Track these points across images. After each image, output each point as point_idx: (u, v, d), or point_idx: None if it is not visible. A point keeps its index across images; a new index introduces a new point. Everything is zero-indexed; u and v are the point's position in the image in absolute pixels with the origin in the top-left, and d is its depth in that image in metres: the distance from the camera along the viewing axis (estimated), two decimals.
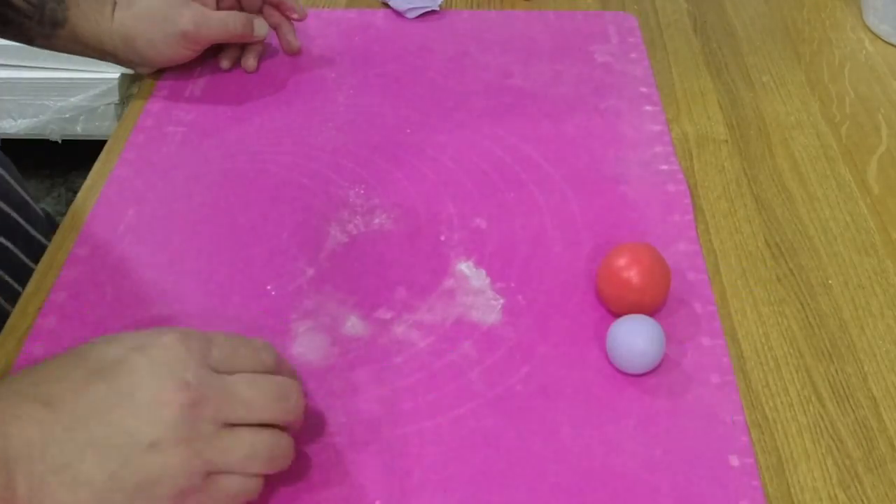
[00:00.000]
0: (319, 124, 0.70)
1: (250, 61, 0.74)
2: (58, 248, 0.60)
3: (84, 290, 0.56)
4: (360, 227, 0.61)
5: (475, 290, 0.57)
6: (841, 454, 0.49)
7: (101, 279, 0.57)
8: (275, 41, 0.77)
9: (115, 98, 1.60)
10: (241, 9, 0.74)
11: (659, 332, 0.51)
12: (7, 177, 0.71)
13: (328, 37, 0.80)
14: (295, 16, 0.75)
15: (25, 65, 1.59)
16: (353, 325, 0.55)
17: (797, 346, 0.54)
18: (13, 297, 0.60)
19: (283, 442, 0.43)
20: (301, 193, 0.64)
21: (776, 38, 0.82)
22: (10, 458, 0.39)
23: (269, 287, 0.57)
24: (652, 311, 0.54)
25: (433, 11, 0.83)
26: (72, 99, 1.61)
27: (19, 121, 1.65)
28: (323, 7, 0.84)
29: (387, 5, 0.84)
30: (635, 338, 0.50)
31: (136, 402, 0.40)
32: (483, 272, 0.58)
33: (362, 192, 0.64)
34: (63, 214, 0.63)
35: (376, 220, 0.62)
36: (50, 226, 0.75)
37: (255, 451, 0.42)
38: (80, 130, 1.66)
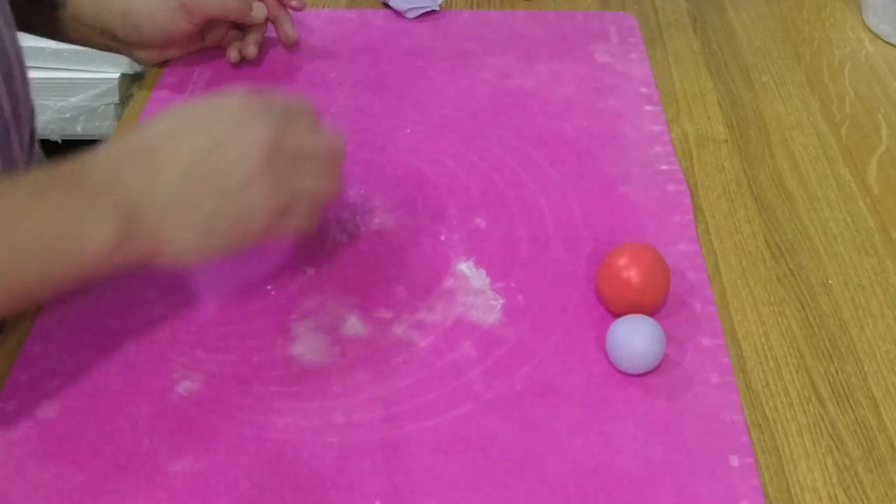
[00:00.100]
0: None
1: (250, 48, 0.75)
2: None
3: (84, 290, 0.56)
4: (360, 227, 0.61)
5: (475, 290, 0.57)
6: (841, 454, 0.49)
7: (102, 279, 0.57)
8: (274, 34, 0.77)
9: (115, 98, 1.60)
10: None
11: (659, 332, 0.51)
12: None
13: (328, 37, 0.80)
14: (294, 3, 0.75)
15: (25, 65, 1.59)
16: (353, 325, 0.55)
17: (797, 346, 0.54)
18: None
19: (334, 179, 0.53)
20: None
21: (776, 38, 0.82)
22: (132, 201, 0.45)
23: (269, 287, 0.57)
24: (652, 311, 0.54)
25: (433, 11, 0.83)
26: (72, 99, 1.60)
27: None
28: (323, 7, 0.84)
29: (387, 5, 0.84)
30: (635, 338, 0.50)
31: (229, 148, 0.47)
32: (483, 272, 0.58)
33: (362, 192, 0.64)
34: None
35: (376, 220, 0.62)
36: None
37: (317, 185, 0.51)
38: (80, 130, 1.65)
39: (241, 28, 0.76)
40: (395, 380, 0.52)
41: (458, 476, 0.47)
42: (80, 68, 1.57)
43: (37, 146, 0.68)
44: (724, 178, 0.66)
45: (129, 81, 1.62)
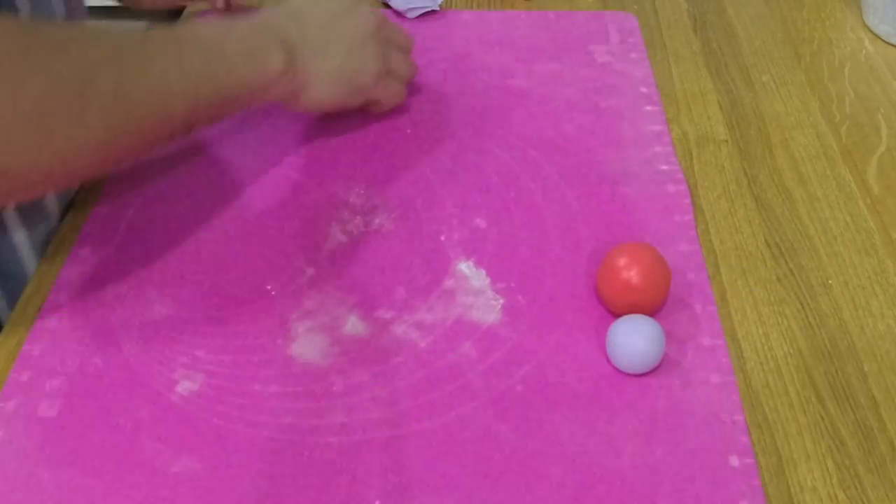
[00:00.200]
0: (320, 123, 0.70)
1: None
2: (58, 248, 0.60)
3: (84, 290, 0.56)
4: (360, 227, 0.61)
5: (475, 290, 0.57)
6: (841, 454, 0.49)
7: (101, 278, 0.57)
8: None
9: None
10: None
11: (659, 332, 0.51)
12: None
13: None
14: None
15: None
16: (353, 325, 0.55)
17: (797, 346, 0.54)
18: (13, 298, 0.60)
19: (411, 66, 0.70)
20: (301, 193, 0.64)
21: (776, 38, 0.82)
22: (291, 42, 0.59)
23: (269, 287, 0.57)
24: (652, 311, 0.54)
25: (433, 11, 0.83)
26: None
27: None
28: None
29: (387, 5, 0.84)
30: (635, 338, 0.50)
31: (351, 17, 0.64)
32: (483, 272, 0.58)
33: (362, 192, 0.64)
34: None
35: (376, 220, 0.62)
36: None
37: (407, 64, 0.69)
38: None
39: None
40: (395, 380, 0.52)
41: (458, 476, 0.47)
42: None
43: None
44: (724, 178, 0.66)
45: None
